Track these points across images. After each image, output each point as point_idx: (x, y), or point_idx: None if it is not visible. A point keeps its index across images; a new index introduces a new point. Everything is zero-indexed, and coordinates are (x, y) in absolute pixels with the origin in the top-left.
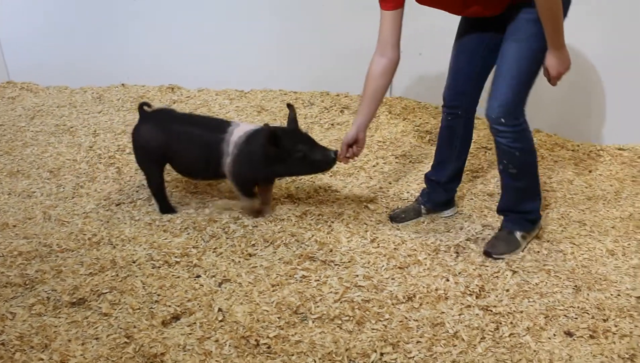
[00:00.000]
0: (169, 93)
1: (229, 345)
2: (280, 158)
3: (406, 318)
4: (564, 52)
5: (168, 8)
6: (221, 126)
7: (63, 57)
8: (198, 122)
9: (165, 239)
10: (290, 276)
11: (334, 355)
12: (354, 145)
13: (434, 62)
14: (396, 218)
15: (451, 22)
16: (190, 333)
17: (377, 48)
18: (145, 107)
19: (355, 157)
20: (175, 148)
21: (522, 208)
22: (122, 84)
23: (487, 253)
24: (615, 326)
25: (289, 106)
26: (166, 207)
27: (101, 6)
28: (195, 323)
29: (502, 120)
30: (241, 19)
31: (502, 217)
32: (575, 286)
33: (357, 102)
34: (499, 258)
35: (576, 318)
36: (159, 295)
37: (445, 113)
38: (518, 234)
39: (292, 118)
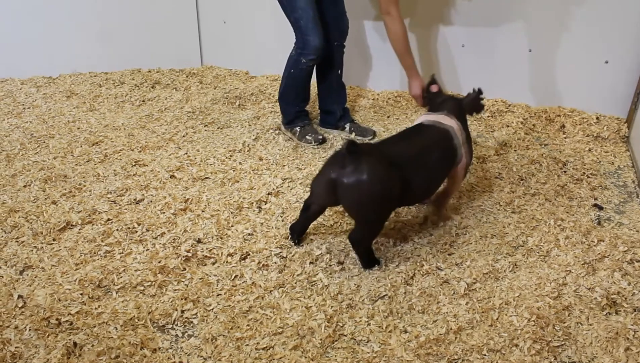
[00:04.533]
0: None
1: (29, 329)
2: None
3: (207, 275)
4: None
5: None
6: (433, 127)
7: None
8: (412, 134)
9: None
10: (94, 253)
11: (136, 320)
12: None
13: (239, 30)
14: None
15: None
16: None
17: (399, 9)
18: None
19: None
20: (417, 173)
21: None
22: None
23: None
24: (396, 247)
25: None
26: (373, 258)
27: None
28: None
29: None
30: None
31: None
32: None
33: (168, 75)
34: None
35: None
36: None
37: (313, 61)
38: None
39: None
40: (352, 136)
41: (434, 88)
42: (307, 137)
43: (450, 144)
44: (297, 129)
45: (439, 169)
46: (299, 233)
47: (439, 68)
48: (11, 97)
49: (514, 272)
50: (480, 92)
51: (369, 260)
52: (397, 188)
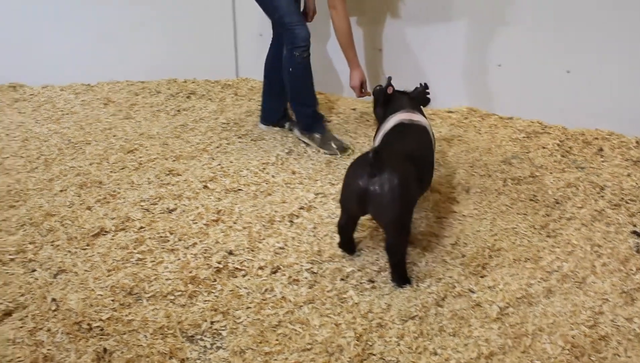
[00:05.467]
0: (10, 92)
1: (61, 333)
2: None
3: (237, 287)
4: None
5: (3, 3)
6: (414, 125)
7: None
8: (405, 133)
9: (0, 238)
10: (126, 260)
11: (166, 329)
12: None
13: None
14: None
15: None
16: (21, 327)
17: (345, 5)
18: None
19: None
20: (425, 167)
21: None
22: None
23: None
24: (428, 267)
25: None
26: (406, 275)
27: None
28: (27, 316)
29: None
30: (83, 8)
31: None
32: None
33: (204, 86)
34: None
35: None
36: None
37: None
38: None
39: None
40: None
41: (390, 90)
42: (330, 143)
43: (431, 138)
44: (317, 136)
45: (432, 161)
46: (351, 249)
47: (474, 87)
48: (51, 103)
49: (548, 298)
50: (426, 86)
51: (402, 274)
52: (417, 185)
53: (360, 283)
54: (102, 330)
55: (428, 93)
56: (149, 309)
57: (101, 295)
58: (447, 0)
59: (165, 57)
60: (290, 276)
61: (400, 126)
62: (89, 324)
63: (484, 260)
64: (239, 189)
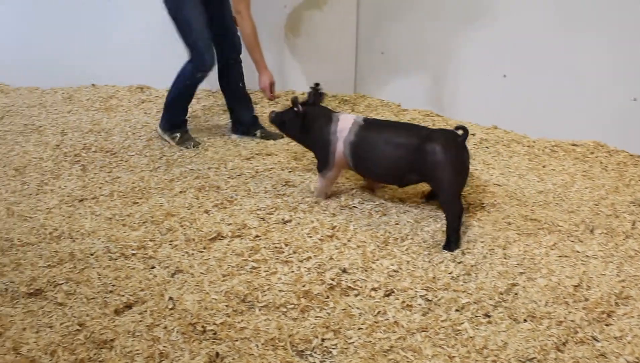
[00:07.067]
0: (138, 93)
1: (177, 332)
2: None
3: (350, 306)
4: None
5: (138, 7)
6: (363, 118)
7: (34, 58)
8: (376, 126)
9: (124, 232)
10: (241, 267)
11: (277, 341)
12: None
13: (396, 62)
14: None
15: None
16: (140, 321)
17: (249, 9)
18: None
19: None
20: None
21: None
22: (93, 85)
23: None
24: (547, 307)
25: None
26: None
27: (71, 7)
28: (146, 311)
29: None
30: None
31: None
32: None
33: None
34: None
35: (518, 305)
36: (113, 285)
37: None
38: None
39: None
40: (261, 140)
41: (302, 109)
42: (187, 143)
43: None
44: (178, 135)
45: None
46: None
47: (604, 120)
48: None
49: None
50: (317, 84)
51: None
52: None
53: (476, 316)
54: (215, 334)
55: (320, 89)
56: (261, 319)
57: (215, 299)
58: (577, 26)
59: (285, 68)
60: (403, 301)
61: (367, 126)
62: (203, 327)
63: (610, 307)
64: (354, 207)
